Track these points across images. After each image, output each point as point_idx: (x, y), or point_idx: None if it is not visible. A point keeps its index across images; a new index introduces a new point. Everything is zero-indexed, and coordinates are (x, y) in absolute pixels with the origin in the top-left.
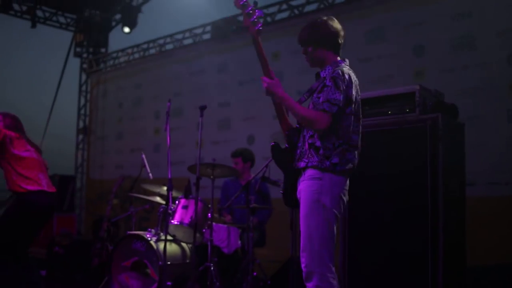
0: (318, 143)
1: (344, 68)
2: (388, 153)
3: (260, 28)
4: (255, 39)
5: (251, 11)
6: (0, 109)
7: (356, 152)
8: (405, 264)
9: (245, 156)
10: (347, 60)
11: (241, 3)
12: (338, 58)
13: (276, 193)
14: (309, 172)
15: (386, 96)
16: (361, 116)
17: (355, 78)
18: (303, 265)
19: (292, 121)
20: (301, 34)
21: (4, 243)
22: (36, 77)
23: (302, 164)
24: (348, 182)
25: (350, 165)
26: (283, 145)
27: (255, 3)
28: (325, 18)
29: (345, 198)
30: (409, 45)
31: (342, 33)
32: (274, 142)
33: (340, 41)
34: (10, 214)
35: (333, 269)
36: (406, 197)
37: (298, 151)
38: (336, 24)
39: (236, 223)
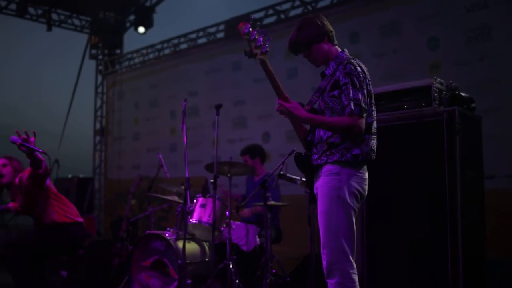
0: (338, 140)
1: (352, 61)
2: (405, 147)
3: (267, 50)
4: (264, 63)
5: (256, 36)
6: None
7: (376, 137)
8: (424, 257)
9: (252, 153)
10: (346, 50)
11: (245, 31)
12: (339, 50)
13: (293, 189)
14: (327, 167)
15: (401, 90)
16: (374, 101)
17: (364, 67)
18: (324, 262)
19: (307, 126)
20: (294, 40)
21: (34, 256)
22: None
23: (320, 161)
24: (367, 175)
25: (371, 153)
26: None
27: (254, 21)
28: (306, 16)
29: (364, 193)
30: (424, 38)
31: (327, 22)
32: (296, 152)
33: (331, 31)
34: (53, 243)
35: (354, 264)
36: (424, 191)
37: (314, 149)
38: (319, 18)
39: (252, 220)
